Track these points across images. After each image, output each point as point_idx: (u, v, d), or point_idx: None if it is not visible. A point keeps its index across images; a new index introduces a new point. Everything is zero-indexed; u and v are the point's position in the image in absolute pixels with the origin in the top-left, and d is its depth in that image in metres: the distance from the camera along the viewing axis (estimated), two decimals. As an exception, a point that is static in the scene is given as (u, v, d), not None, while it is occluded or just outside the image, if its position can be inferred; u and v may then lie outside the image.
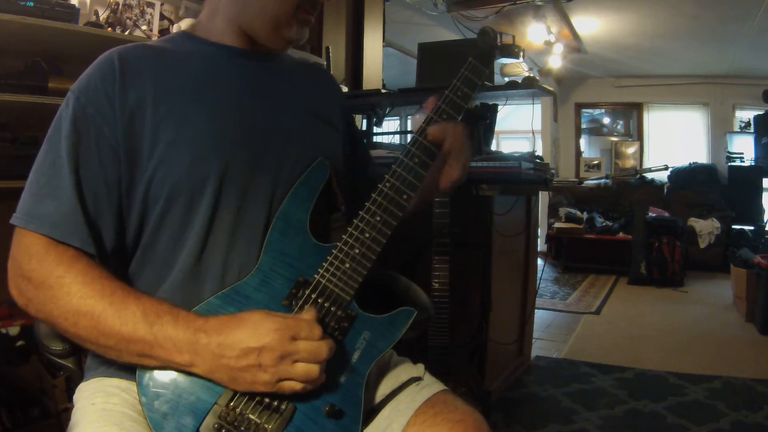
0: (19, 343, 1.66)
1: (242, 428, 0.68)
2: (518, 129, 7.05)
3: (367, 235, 0.76)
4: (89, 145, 0.74)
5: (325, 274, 0.75)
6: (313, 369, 0.67)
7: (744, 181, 5.84)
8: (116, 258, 0.77)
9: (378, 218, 0.76)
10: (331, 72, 2.93)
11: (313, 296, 0.74)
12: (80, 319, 0.68)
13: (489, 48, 0.82)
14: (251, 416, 0.68)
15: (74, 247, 0.72)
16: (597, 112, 7.29)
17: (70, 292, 0.68)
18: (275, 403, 0.69)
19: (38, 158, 0.75)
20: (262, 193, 0.80)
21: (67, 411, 1.63)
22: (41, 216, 0.71)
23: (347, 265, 0.75)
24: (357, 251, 0.75)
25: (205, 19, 0.87)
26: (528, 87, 2.45)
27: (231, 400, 0.69)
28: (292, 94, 0.89)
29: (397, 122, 5.85)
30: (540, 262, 3.46)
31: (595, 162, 6.97)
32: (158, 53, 0.81)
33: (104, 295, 0.68)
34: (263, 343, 0.65)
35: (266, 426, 0.68)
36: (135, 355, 0.68)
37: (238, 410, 0.68)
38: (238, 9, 0.82)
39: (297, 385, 0.67)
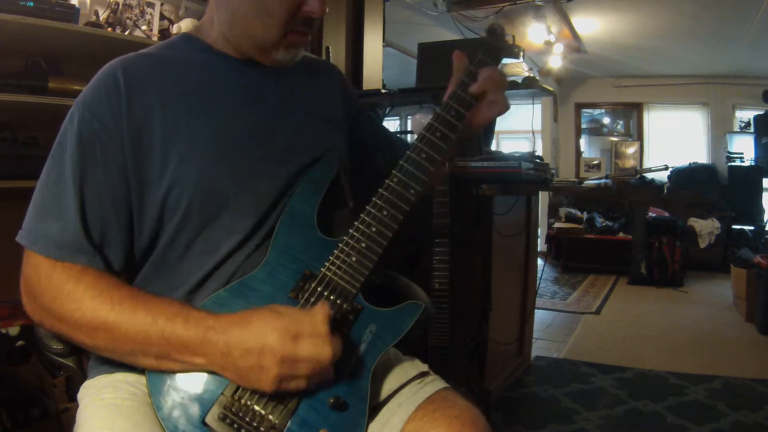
0: (19, 343, 1.66)
1: (247, 419, 0.69)
2: (518, 129, 7.04)
3: (373, 229, 0.76)
4: (95, 164, 0.73)
5: (331, 267, 0.75)
6: (317, 369, 0.67)
7: (744, 181, 5.83)
8: (124, 271, 0.78)
9: (385, 212, 0.76)
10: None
11: (319, 289, 0.75)
12: (95, 332, 0.69)
13: (498, 45, 0.83)
14: (256, 407, 0.69)
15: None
16: (597, 112, 7.29)
17: (81, 308, 0.69)
18: (280, 394, 0.69)
19: (42, 175, 0.75)
20: (274, 199, 0.81)
21: (67, 411, 1.63)
22: (46, 236, 0.71)
23: (354, 259, 0.75)
24: (363, 245, 0.75)
25: (206, 24, 0.87)
26: (528, 87, 2.45)
27: (236, 391, 0.69)
28: (291, 96, 0.90)
29: (397, 122, 5.84)
30: (540, 262, 3.46)
31: (595, 162, 6.97)
32: (160, 62, 0.81)
33: (114, 305, 0.69)
34: (263, 343, 0.65)
35: (270, 417, 0.69)
36: (153, 359, 0.69)
37: (243, 401, 0.69)
38: (227, 27, 0.82)
39: (302, 383, 0.67)
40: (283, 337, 0.65)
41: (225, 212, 0.78)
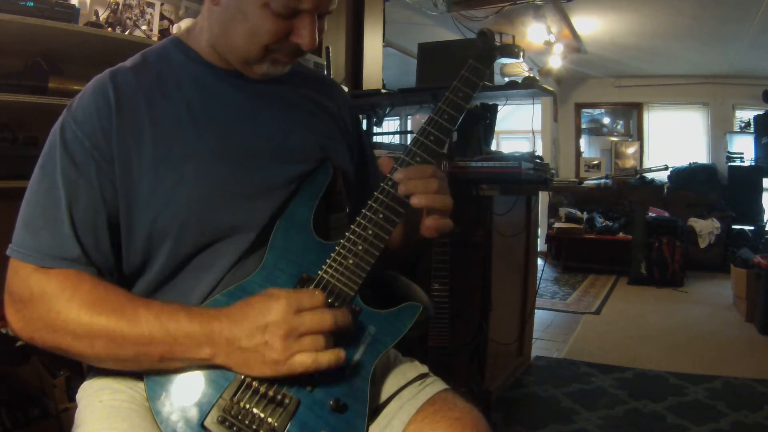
0: (19, 343, 1.66)
1: (246, 422, 0.68)
2: (518, 129, 7.05)
3: (370, 231, 0.76)
4: (88, 179, 0.73)
5: (328, 270, 0.75)
6: (320, 340, 0.67)
7: (744, 181, 5.84)
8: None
9: (381, 215, 0.77)
10: (332, 72, 2.93)
11: None
12: (95, 340, 0.68)
13: (488, 49, 0.83)
14: (255, 410, 0.69)
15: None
16: (597, 112, 7.29)
17: (80, 315, 0.68)
18: (279, 396, 0.69)
19: (31, 187, 0.74)
20: (273, 213, 0.80)
21: (67, 411, 1.63)
22: (40, 249, 0.70)
23: (350, 261, 0.75)
24: (360, 247, 0.75)
25: (197, 31, 0.85)
26: (528, 87, 2.45)
27: (235, 394, 0.69)
28: (286, 108, 0.88)
29: (397, 122, 5.84)
30: (540, 262, 3.46)
31: (595, 162, 6.97)
32: (151, 77, 0.80)
33: (114, 310, 0.68)
34: (267, 319, 0.66)
35: (270, 420, 0.69)
36: (156, 361, 0.68)
37: (242, 404, 0.69)
38: (214, 37, 0.81)
39: (307, 358, 0.66)
40: (285, 310, 0.66)
41: (221, 233, 0.77)
